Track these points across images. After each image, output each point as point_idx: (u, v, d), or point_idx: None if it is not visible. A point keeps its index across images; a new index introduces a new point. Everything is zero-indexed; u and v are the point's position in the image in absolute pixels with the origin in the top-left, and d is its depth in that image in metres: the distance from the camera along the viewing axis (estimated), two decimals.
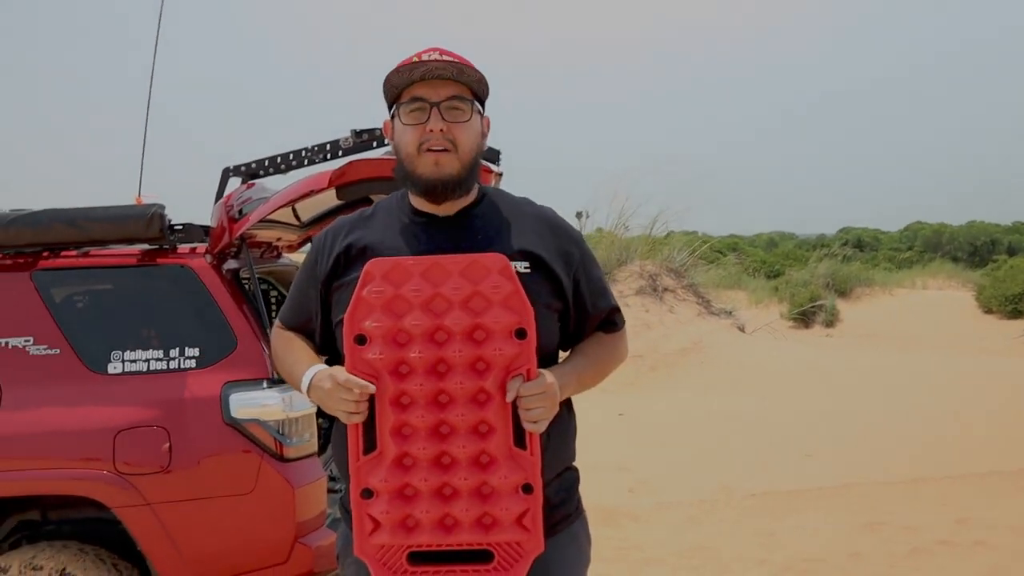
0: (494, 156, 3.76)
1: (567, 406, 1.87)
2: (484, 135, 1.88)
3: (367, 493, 1.71)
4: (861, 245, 44.45)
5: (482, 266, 1.69)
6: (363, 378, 1.68)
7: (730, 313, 12.41)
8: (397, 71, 1.79)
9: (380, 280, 1.70)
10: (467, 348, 1.68)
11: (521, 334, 1.68)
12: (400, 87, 1.81)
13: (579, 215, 13.51)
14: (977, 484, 5.74)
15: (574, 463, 1.94)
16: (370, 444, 1.72)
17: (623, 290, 11.33)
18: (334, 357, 1.90)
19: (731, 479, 6.19)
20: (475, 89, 1.82)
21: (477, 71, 1.81)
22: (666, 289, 11.68)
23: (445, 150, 1.77)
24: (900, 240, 52.18)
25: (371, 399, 1.70)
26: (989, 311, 19.95)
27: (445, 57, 1.79)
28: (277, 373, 1.99)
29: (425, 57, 1.79)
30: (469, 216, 1.85)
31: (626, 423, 8.29)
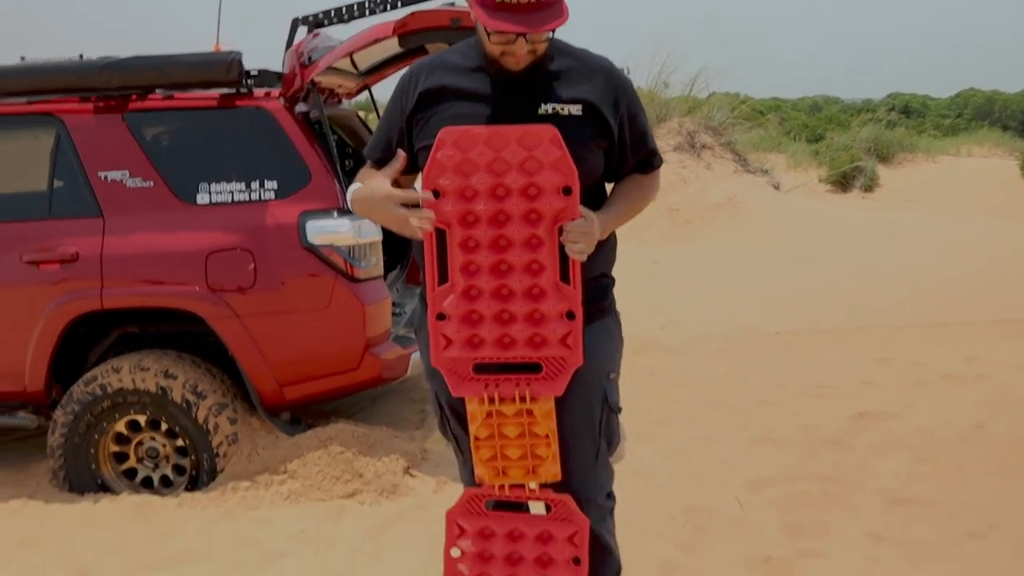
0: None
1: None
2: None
3: (441, 316, 2.10)
4: (908, 111, 43.30)
5: (535, 135, 2.02)
6: (437, 226, 2.05)
7: (766, 172, 12.54)
8: (488, 2, 1.93)
9: (451, 146, 2.02)
10: (522, 202, 2.04)
11: (567, 191, 2.02)
12: (490, 8, 1.93)
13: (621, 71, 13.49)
14: (988, 329, 6.08)
15: (610, 272, 2.30)
16: (443, 277, 2.10)
17: (661, 146, 11.39)
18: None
19: (757, 320, 6.61)
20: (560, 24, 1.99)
21: (563, 7, 1.96)
22: (704, 146, 11.81)
23: (526, 55, 2.03)
24: (950, 107, 50.72)
25: (443, 244, 2.07)
26: None
27: None
28: (353, 208, 2.26)
29: None
30: (534, 65, 2.11)
31: (660, 271, 8.68)
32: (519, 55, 2.03)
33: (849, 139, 22.33)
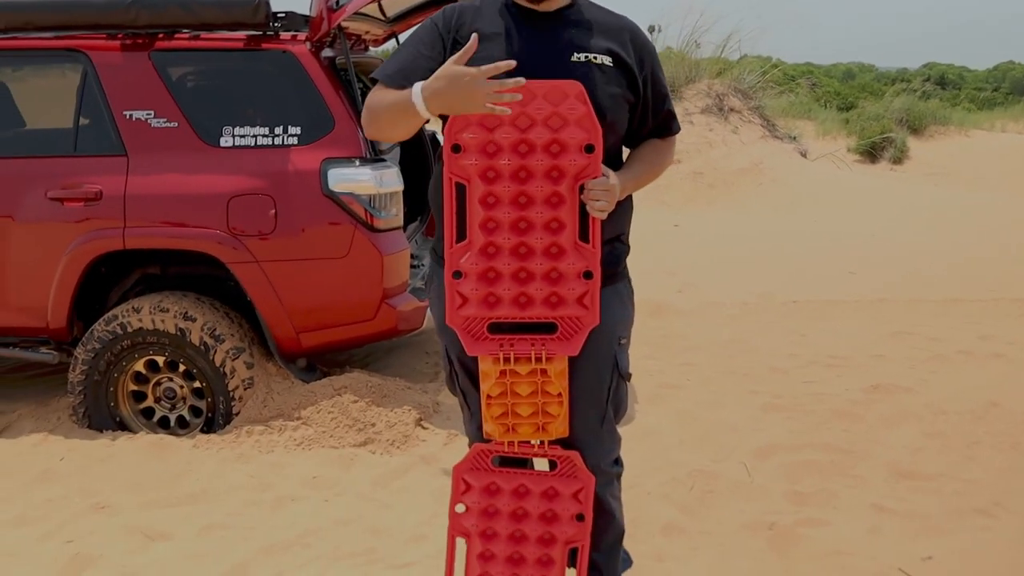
0: None
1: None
2: None
3: (457, 275, 2.09)
4: (944, 83, 42.53)
5: (561, 91, 2.01)
6: (457, 179, 2.03)
7: (794, 139, 12.39)
8: None
9: None
10: (545, 158, 2.02)
11: (590, 149, 2.01)
12: None
13: (651, 29, 13.28)
14: (1007, 307, 6.03)
15: (626, 239, 2.30)
16: (461, 234, 2.09)
17: (688, 108, 11.34)
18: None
19: (774, 287, 6.58)
20: None
21: None
22: (732, 110, 11.66)
23: None
24: (987, 80, 49.77)
25: (462, 200, 2.06)
26: None
27: None
28: (369, 125, 2.12)
29: None
30: (564, 14, 2.14)
31: (680, 234, 8.63)
32: None
33: (881, 109, 21.99)
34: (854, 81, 36.89)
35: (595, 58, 2.09)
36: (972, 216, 9.65)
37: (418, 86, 1.95)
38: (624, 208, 2.23)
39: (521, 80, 1.89)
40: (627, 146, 2.29)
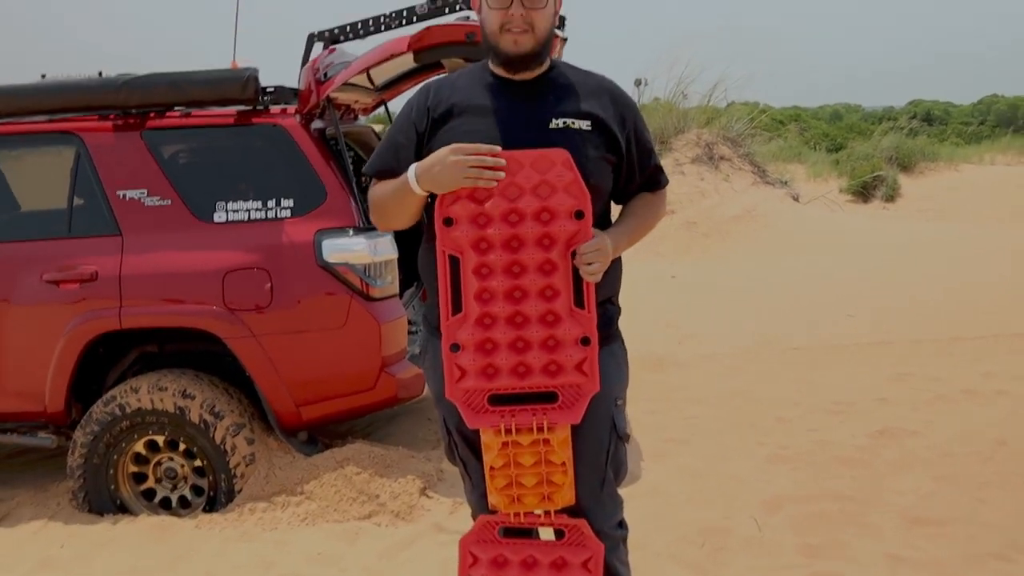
0: (559, 22, 4.00)
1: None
2: (556, 13, 2.17)
3: (455, 347, 2.09)
4: (930, 119, 42.98)
5: (548, 159, 2.04)
6: (450, 252, 2.05)
7: (785, 183, 12.46)
8: None
9: None
10: (536, 227, 2.04)
11: (579, 215, 2.04)
12: None
13: (638, 83, 13.45)
14: (1008, 343, 6.01)
15: (616, 300, 2.31)
16: (457, 307, 2.09)
17: (679, 158, 11.44)
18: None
19: (774, 334, 6.56)
20: None
21: None
22: (722, 158, 11.75)
23: (523, 31, 2.07)
24: (972, 114, 50.30)
25: (456, 272, 2.07)
26: None
27: None
28: (376, 218, 2.26)
29: None
30: (542, 81, 2.18)
31: (677, 285, 8.64)
32: (516, 22, 2.06)
33: (870, 148, 22.20)
34: (842, 122, 37.29)
35: (573, 123, 2.12)
36: (967, 252, 9.68)
37: (412, 167, 2.07)
38: (613, 270, 2.23)
39: (496, 147, 1.99)
40: (617, 203, 2.31)
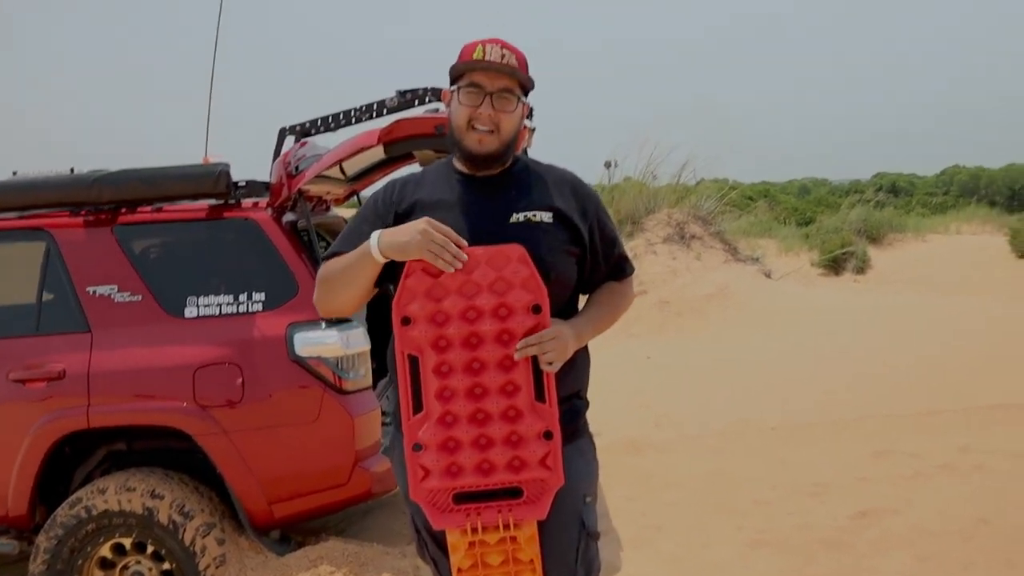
0: (528, 113, 4.06)
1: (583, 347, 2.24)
2: (522, 118, 2.22)
3: (417, 447, 2.06)
4: (896, 190, 43.92)
5: (504, 255, 2.06)
6: (409, 352, 2.05)
7: (756, 260, 12.61)
8: (464, 60, 2.13)
9: (420, 272, 2.05)
10: (494, 323, 2.05)
11: (537, 309, 2.05)
12: (463, 71, 2.14)
13: (608, 164, 13.68)
14: (982, 415, 6.04)
15: (584, 394, 2.30)
16: (418, 406, 2.08)
17: (651, 238, 11.56)
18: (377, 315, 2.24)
19: (751, 414, 6.55)
20: (524, 84, 2.18)
21: (526, 73, 2.16)
22: (693, 236, 11.89)
23: (489, 131, 2.12)
24: (936, 185, 51.48)
25: (416, 371, 2.06)
26: (1023, 256, 19.81)
27: (505, 52, 2.13)
28: (321, 294, 2.22)
29: (488, 50, 2.12)
30: (505, 176, 2.22)
31: (652, 366, 8.64)
32: (483, 120, 2.11)
33: (839, 221, 22.61)
34: (810, 196, 38.00)
35: (534, 216, 2.15)
36: (939, 323, 9.76)
37: (375, 233, 2.08)
38: (580, 364, 2.23)
39: (464, 241, 2.02)
40: (584, 293, 2.32)
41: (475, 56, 2.12)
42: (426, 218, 2.04)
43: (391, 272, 2.15)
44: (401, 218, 2.18)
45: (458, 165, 2.23)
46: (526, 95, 2.22)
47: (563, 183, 2.25)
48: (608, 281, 2.32)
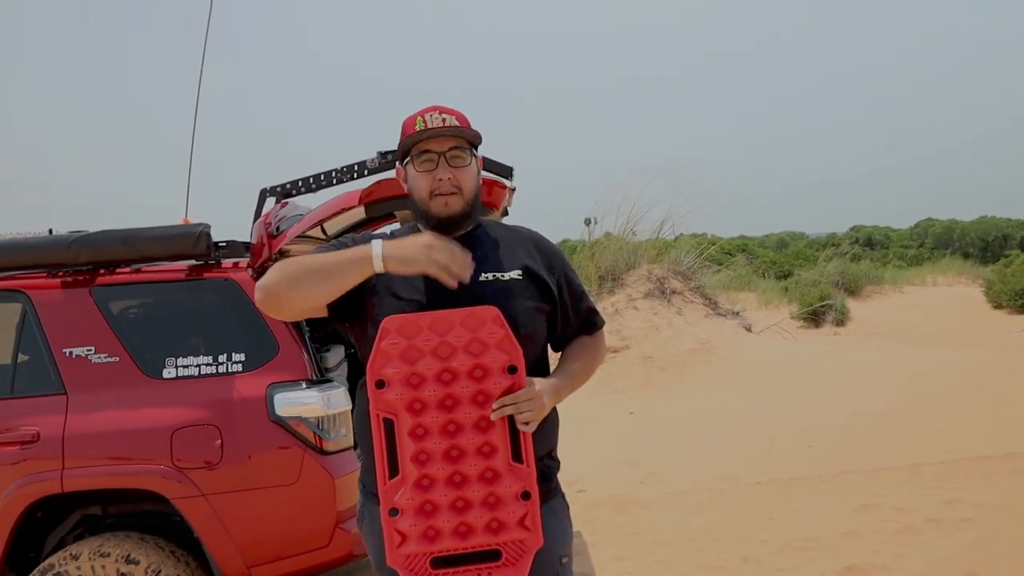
0: (507, 172, 4.08)
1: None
2: (479, 172, 2.27)
3: (394, 512, 2.04)
4: (872, 243, 44.49)
5: (478, 317, 2.06)
6: (384, 415, 2.03)
7: (737, 314, 12.66)
8: (408, 134, 2.18)
9: (395, 334, 2.04)
10: (470, 384, 2.04)
11: (512, 369, 2.05)
12: (411, 144, 2.19)
13: (587, 222, 13.77)
14: (968, 468, 6.02)
15: (555, 454, 2.29)
16: (393, 470, 2.05)
17: (632, 293, 11.60)
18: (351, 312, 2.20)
19: (736, 469, 6.50)
20: (471, 140, 2.22)
21: (470, 128, 2.21)
22: (674, 292, 11.94)
23: (452, 193, 2.16)
24: (911, 237, 52.13)
25: (391, 435, 2.04)
26: (998, 306, 20.06)
27: (444, 116, 2.17)
28: (287, 287, 2.09)
29: (428, 118, 2.17)
30: (470, 238, 2.24)
31: (636, 421, 8.60)
32: (445, 186, 2.14)
33: (817, 274, 22.86)
34: (788, 249, 38.34)
35: (503, 276, 2.17)
36: (920, 374, 9.78)
37: (378, 241, 2.05)
38: (551, 424, 2.22)
39: (459, 247, 2.03)
40: (555, 350, 2.34)
41: (418, 127, 2.17)
42: (430, 232, 2.08)
43: (353, 308, 2.14)
44: (378, 276, 2.14)
45: (424, 230, 2.23)
46: (476, 149, 2.25)
47: (527, 241, 2.29)
48: (579, 336, 2.34)
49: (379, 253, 2.04)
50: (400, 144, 2.22)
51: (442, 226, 2.18)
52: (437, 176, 2.15)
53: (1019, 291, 19.54)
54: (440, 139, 2.17)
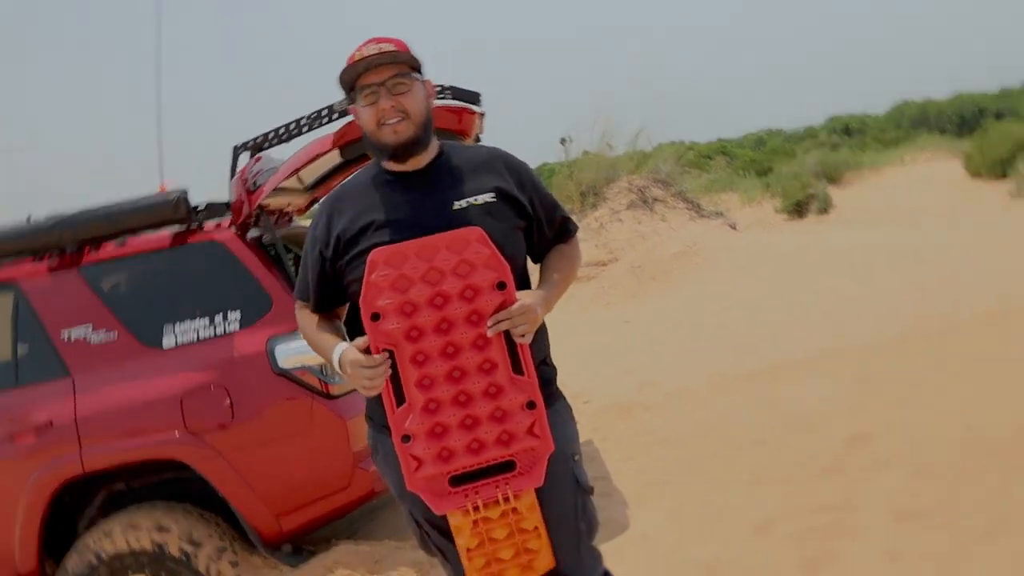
0: (475, 98, 4.07)
1: None
2: (430, 96, 2.26)
3: (406, 439, 2.10)
4: (849, 131, 44.19)
5: (463, 238, 2.09)
6: (383, 346, 2.08)
7: (721, 214, 12.72)
8: (346, 69, 2.17)
9: (383, 265, 2.07)
10: (463, 305, 2.09)
11: (502, 286, 2.09)
12: (352, 80, 2.18)
13: (563, 141, 13.70)
14: (958, 337, 6.08)
15: (550, 360, 2.35)
16: (400, 398, 2.11)
17: (614, 206, 11.61)
18: (354, 318, 2.26)
19: (734, 363, 6.59)
20: (411, 64, 2.21)
21: (408, 52, 2.20)
22: (656, 199, 11.96)
23: (399, 120, 2.16)
24: (888, 122, 51.71)
25: (394, 363, 2.10)
26: (978, 175, 20.13)
27: (381, 46, 2.17)
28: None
29: (365, 50, 2.17)
30: (434, 167, 2.25)
31: (632, 329, 8.70)
32: (389, 113, 2.15)
33: (796, 167, 22.88)
34: (766, 147, 38.17)
35: (476, 199, 2.19)
36: (905, 252, 9.81)
37: (337, 353, 2.17)
38: (540, 332, 2.26)
39: (385, 374, 2.08)
40: (535, 262, 2.38)
41: (355, 61, 2.16)
42: (352, 360, 2.11)
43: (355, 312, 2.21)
44: (349, 244, 2.21)
45: (387, 166, 2.26)
46: (419, 72, 2.24)
47: (494, 160, 2.29)
48: (556, 244, 2.38)
49: (337, 363, 2.18)
50: (341, 82, 2.22)
51: (397, 155, 2.20)
52: (380, 106, 2.16)
53: (997, 160, 19.49)
54: (379, 69, 2.16)
